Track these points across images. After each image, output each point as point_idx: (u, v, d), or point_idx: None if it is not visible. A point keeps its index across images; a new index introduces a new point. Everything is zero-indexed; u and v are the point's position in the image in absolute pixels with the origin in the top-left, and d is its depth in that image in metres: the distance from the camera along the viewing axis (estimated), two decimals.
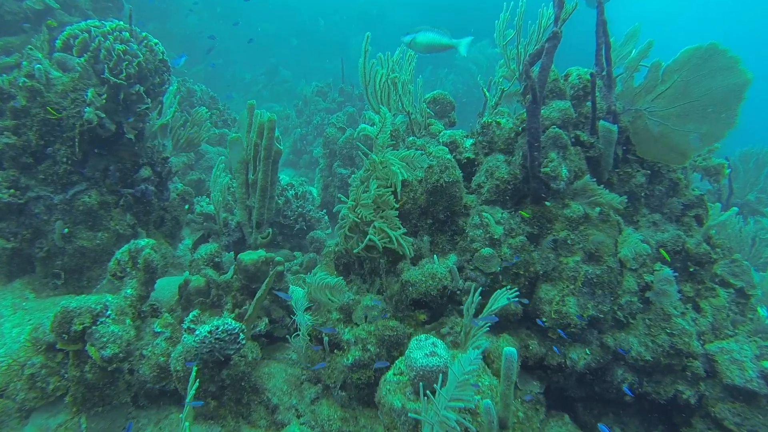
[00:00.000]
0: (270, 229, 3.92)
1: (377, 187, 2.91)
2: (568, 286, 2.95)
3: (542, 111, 3.15)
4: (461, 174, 3.11)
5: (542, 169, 3.02)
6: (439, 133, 3.40)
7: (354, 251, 3.01)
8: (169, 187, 4.54)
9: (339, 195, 4.02)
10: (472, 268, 2.99)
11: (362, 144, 3.21)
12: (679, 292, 3.10)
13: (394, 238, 2.85)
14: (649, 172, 3.34)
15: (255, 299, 2.97)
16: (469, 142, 3.37)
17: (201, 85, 6.73)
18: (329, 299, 2.98)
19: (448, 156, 3.05)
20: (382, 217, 2.90)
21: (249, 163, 3.76)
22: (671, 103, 3.06)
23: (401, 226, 2.92)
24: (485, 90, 3.59)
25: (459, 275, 2.97)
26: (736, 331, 3.10)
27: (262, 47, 15.17)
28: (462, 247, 3.07)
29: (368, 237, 2.85)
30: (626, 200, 3.16)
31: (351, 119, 8.45)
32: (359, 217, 2.92)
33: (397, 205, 2.97)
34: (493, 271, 2.94)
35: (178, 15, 11.68)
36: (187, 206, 4.89)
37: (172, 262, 4.37)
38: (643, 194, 3.33)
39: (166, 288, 3.39)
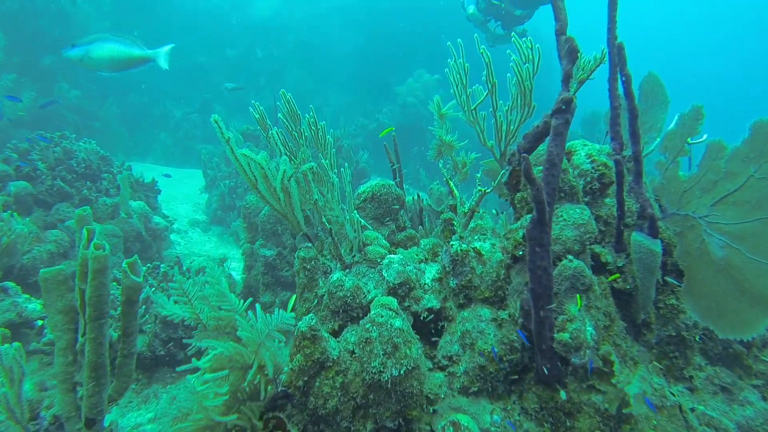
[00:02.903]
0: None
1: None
2: None
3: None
4: (420, 352, 1.73)
5: (556, 335, 1.71)
6: (381, 259, 2.03)
7: None
8: None
9: None
10: None
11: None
12: None
13: None
14: None
15: None
16: (431, 272, 2.01)
17: (89, 142, 5.08)
18: None
19: (397, 322, 1.68)
20: None
21: (78, 314, 2.25)
22: (746, 213, 1.83)
23: None
24: (448, 179, 2.25)
25: None
26: None
27: (195, 81, 13.48)
28: None
29: None
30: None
31: None
32: None
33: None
34: None
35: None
36: None
37: None
38: (697, 337, 2.07)
39: None
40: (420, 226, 2.77)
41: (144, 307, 3.61)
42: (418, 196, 3.33)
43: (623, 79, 2.02)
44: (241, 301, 1.87)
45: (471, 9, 6.33)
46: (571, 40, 1.60)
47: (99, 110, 9.84)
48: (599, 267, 2.02)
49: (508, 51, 1.92)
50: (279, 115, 2.79)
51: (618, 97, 2.16)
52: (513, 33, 6.39)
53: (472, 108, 2.16)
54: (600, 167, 2.09)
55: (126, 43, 2.56)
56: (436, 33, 13.51)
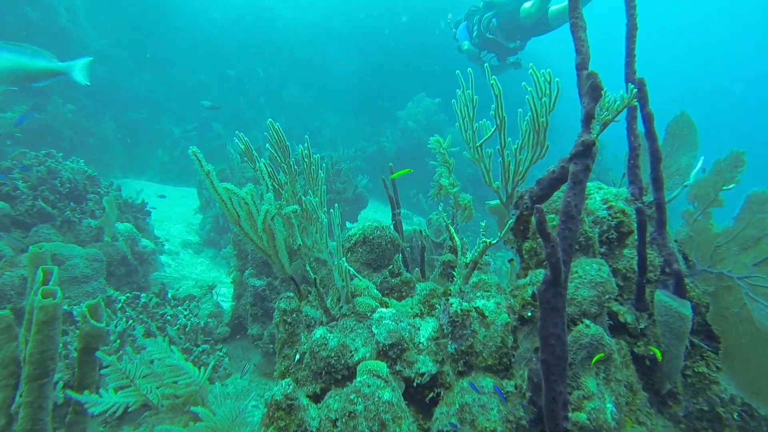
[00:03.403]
0: None
1: None
2: None
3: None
4: (411, 429, 1.48)
5: (571, 415, 1.46)
6: (372, 312, 1.78)
7: None
8: None
9: None
10: None
11: None
12: None
13: None
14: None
15: None
16: (427, 329, 1.76)
17: (76, 161, 4.88)
18: None
19: (386, 394, 1.43)
20: None
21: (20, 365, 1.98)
22: None
23: None
24: (448, 224, 2.02)
25: None
26: None
27: (195, 98, 13.39)
28: None
29: None
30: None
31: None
32: None
33: None
34: None
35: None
36: None
37: None
38: (736, 414, 1.81)
39: None
40: (417, 268, 2.54)
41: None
42: (421, 232, 3.10)
43: (645, 117, 1.82)
44: (203, 369, 1.62)
45: (466, 45, 6.30)
46: (594, 76, 1.39)
47: (95, 126, 9.68)
48: (618, 327, 1.78)
49: (523, 84, 1.71)
50: (267, 145, 2.59)
51: (638, 137, 1.96)
52: (507, 61, 6.27)
53: (478, 145, 1.95)
54: (618, 214, 1.86)
55: (28, 54, 2.35)
56: (437, 55, 13.52)
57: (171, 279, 6.13)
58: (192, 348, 3.50)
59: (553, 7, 5.22)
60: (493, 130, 1.89)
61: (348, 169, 8.32)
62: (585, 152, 1.46)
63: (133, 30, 12.58)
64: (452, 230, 1.94)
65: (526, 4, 5.33)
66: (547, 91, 1.63)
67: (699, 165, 1.97)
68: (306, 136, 2.69)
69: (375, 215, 10.52)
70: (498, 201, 2.12)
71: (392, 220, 2.44)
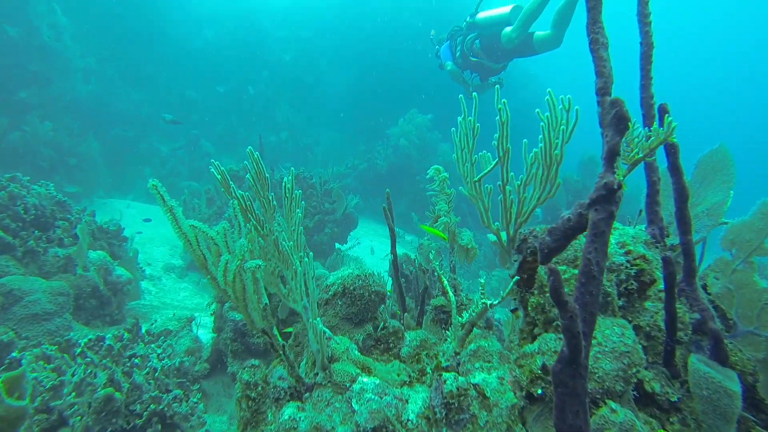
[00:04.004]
0: None
1: None
2: None
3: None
4: None
5: None
6: (352, 382, 1.48)
7: None
8: None
9: None
10: None
11: None
12: None
13: None
14: None
15: None
16: (417, 402, 1.46)
17: (45, 185, 4.55)
18: None
19: None
20: None
21: None
22: None
23: None
24: (441, 275, 1.72)
25: None
26: None
27: (184, 115, 13.12)
28: None
29: None
30: None
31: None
32: None
33: None
34: None
35: (67, 79, 9.42)
36: None
37: None
38: None
39: None
40: (406, 313, 2.24)
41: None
42: (420, 266, 2.81)
43: (668, 149, 1.56)
44: None
45: (449, 65, 6.23)
46: (619, 104, 1.13)
47: (78, 146, 9.35)
48: (643, 398, 1.48)
49: (537, 110, 1.45)
50: (247, 175, 2.31)
51: (656, 171, 1.69)
52: (489, 81, 6.16)
53: (477, 179, 1.67)
54: (638, 261, 1.58)
55: None
56: (429, 71, 13.36)
57: (150, 308, 5.77)
58: (162, 396, 3.15)
59: (539, 33, 5.13)
60: (494, 163, 1.62)
61: (338, 188, 8.04)
62: (608, 197, 1.18)
63: (123, 47, 12.35)
64: (446, 283, 1.65)
65: (507, 29, 5.27)
66: (564, 120, 1.37)
67: (726, 200, 1.71)
68: (291, 167, 2.42)
69: (365, 238, 10.21)
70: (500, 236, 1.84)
71: (391, 252, 2.16)
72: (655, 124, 1.22)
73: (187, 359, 4.00)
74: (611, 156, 1.20)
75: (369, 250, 9.78)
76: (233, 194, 2.44)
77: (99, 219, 9.04)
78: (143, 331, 4.26)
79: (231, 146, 12.67)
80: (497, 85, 6.06)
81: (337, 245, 7.79)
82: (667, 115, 1.47)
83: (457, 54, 6.06)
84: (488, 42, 5.53)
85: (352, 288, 1.75)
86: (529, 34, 5.15)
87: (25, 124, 7.92)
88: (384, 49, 13.75)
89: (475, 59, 5.84)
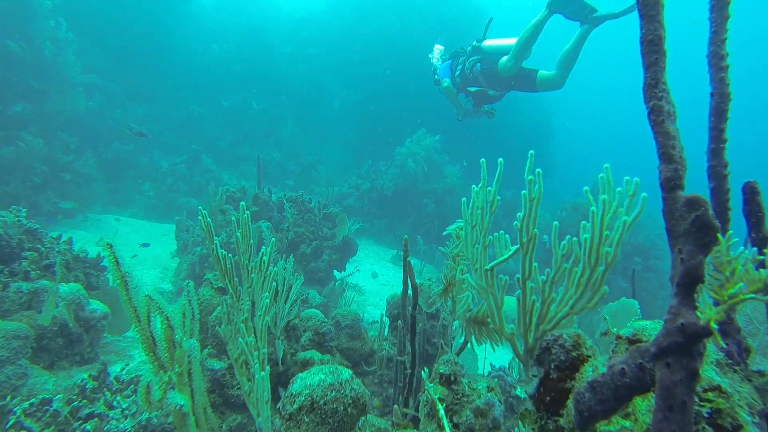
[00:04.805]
0: None
1: None
2: None
3: None
4: None
5: None
6: None
7: None
8: None
9: None
10: None
11: None
12: None
13: None
14: None
15: None
16: None
17: (16, 210, 4.18)
18: None
19: None
20: None
21: None
22: None
23: None
24: (436, 400, 1.28)
25: None
26: None
27: (186, 130, 12.86)
28: None
29: None
30: None
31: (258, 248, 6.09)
32: None
33: None
34: None
35: (66, 94, 9.14)
36: None
37: None
38: None
39: None
40: (396, 405, 1.79)
41: None
42: (420, 309, 2.38)
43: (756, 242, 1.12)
44: None
45: (446, 82, 6.20)
46: (701, 206, 0.71)
47: (75, 161, 9.05)
48: None
49: (586, 189, 1.03)
50: (233, 239, 2.08)
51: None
52: (482, 109, 5.98)
53: (488, 268, 1.24)
54: (710, 395, 1.14)
55: None
56: (437, 92, 12.97)
57: (130, 342, 5.34)
58: None
59: (543, 72, 5.19)
60: (514, 250, 1.19)
61: (339, 212, 7.63)
62: (687, 347, 0.75)
63: (127, 61, 12.16)
64: (440, 410, 1.21)
65: (504, 58, 5.34)
66: (622, 208, 0.95)
67: None
68: (272, 238, 2.01)
69: (366, 261, 9.71)
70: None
71: (405, 309, 1.75)
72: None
73: (157, 415, 3.55)
74: (690, 284, 0.76)
75: (370, 275, 9.32)
76: (217, 257, 2.09)
77: (92, 236, 8.71)
78: (111, 378, 3.84)
79: (233, 163, 12.36)
80: (487, 115, 6.13)
81: (335, 272, 7.36)
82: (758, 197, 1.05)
83: (457, 73, 6.04)
84: (489, 67, 5.55)
85: (322, 402, 1.31)
86: (533, 70, 5.24)
87: (18, 139, 7.63)
88: (392, 68, 13.47)
89: (473, 88, 5.87)
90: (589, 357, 1.20)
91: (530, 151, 1.10)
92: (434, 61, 6.91)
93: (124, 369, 4.12)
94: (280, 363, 2.39)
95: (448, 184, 10.85)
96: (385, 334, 4.32)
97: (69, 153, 8.91)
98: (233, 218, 1.96)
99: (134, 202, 11.07)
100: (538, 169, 1.09)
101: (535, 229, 1.14)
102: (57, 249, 4.34)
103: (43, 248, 4.18)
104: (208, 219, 2.20)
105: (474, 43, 5.87)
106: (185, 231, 7.63)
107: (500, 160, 1.18)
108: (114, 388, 3.73)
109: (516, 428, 1.26)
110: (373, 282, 9.14)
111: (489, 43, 5.67)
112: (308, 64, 13.80)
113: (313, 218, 7.21)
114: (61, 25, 9.29)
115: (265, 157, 12.21)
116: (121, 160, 11.48)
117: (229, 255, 2.28)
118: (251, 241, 2.02)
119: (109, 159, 11.22)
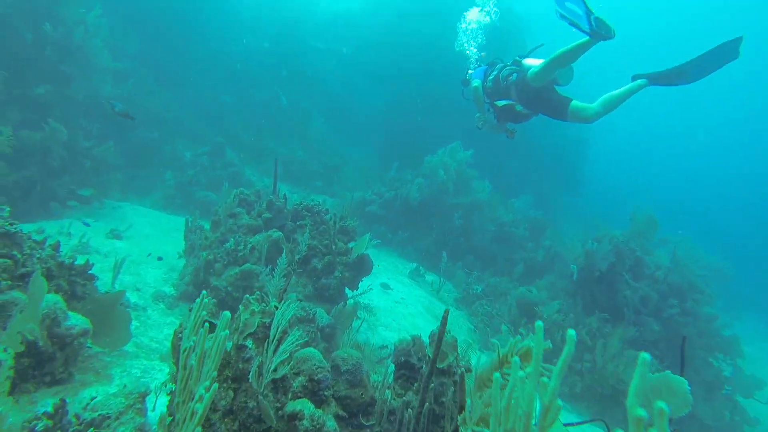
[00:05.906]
0: None
1: None
2: None
3: None
4: None
5: None
6: None
7: None
8: None
9: None
10: None
11: None
12: None
13: None
14: None
15: None
16: None
17: (2, 210, 3.75)
18: None
19: None
20: None
21: None
22: None
23: None
24: None
25: None
26: None
27: (212, 120, 12.50)
28: None
29: None
30: None
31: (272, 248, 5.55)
32: None
33: None
34: None
35: (89, 79, 8.84)
36: None
37: None
38: None
39: None
40: None
41: None
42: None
43: None
44: None
45: (476, 83, 5.95)
46: None
47: (96, 147, 8.77)
48: None
49: None
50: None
51: None
52: (503, 125, 5.53)
53: None
54: None
55: None
56: (471, 103, 12.16)
57: (114, 358, 4.87)
58: None
59: (578, 102, 4.98)
60: None
61: (355, 225, 7.02)
62: None
63: (161, 47, 11.88)
64: None
65: (535, 65, 5.18)
66: None
67: None
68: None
69: (384, 273, 8.96)
70: None
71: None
72: None
73: None
74: None
75: (384, 291, 8.68)
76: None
77: (104, 225, 8.39)
78: (70, 416, 3.35)
79: (256, 157, 11.92)
80: (507, 134, 5.76)
81: (347, 290, 6.76)
82: None
83: (490, 77, 5.84)
84: (521, 77, 5.38)
85: None
86: (567, 97, 5.08)
87: (40, 121, 7.37)
88: (426, 74, 12.73)
89: (501, 102, 5.66)
90: None
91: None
92: (473, 64, 6.73)
93: (92, 400, 3.63)
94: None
95: (477, 199, 10.11)
96: (389, 381, 3.76)
97: (89, 138, 8.62)
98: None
99: (155, 191, 10.79)
100: None
101: None
102: (38, 256, 3.90)
103: (20, 255, 3.75)
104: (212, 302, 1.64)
105: (516, 57, 5.69)
106: (194, 232, 7.19)
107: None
108: (72, 430, 3.23)
109: None
110: (387, 298, 8.51)
111: (528, 61, 5.48)
112: (340, 62, 13.23)
113: (327, 231, 6.63)
114: (94, 8, 9.02)
115: (289, 155, 11.75)
116: (146, 147, 11.22)
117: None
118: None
119: (133, 145, 10.96)
